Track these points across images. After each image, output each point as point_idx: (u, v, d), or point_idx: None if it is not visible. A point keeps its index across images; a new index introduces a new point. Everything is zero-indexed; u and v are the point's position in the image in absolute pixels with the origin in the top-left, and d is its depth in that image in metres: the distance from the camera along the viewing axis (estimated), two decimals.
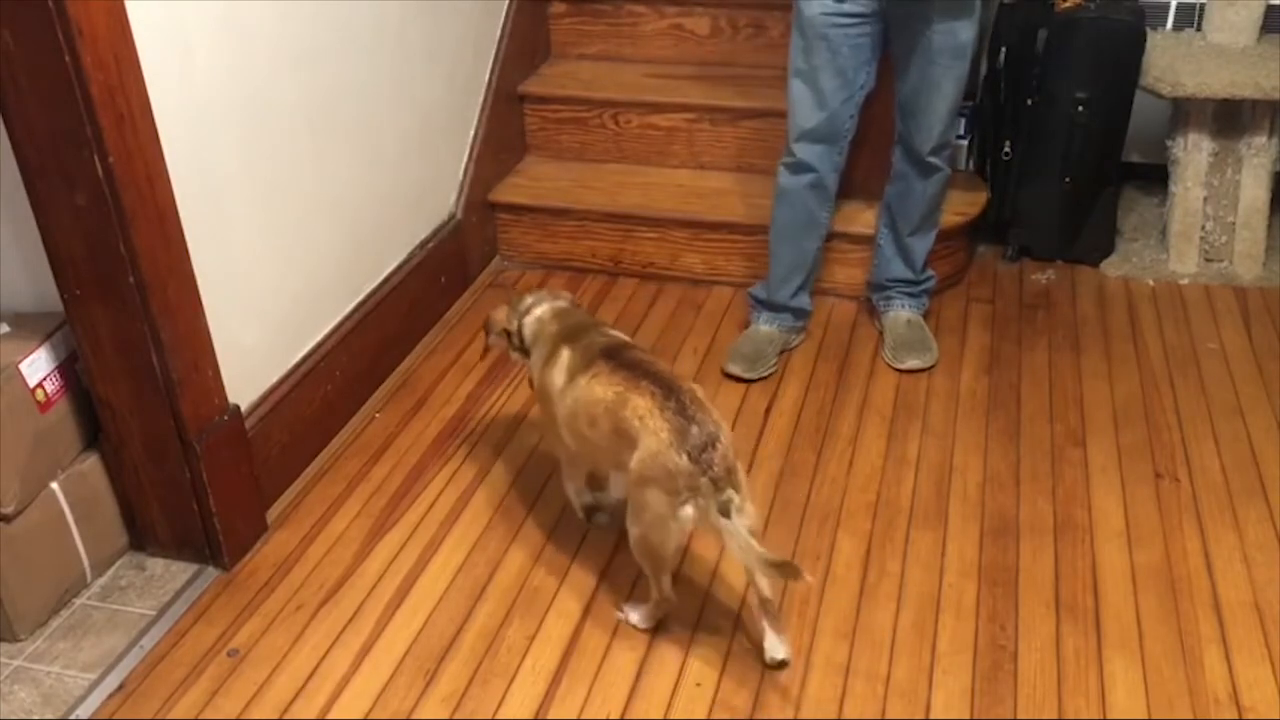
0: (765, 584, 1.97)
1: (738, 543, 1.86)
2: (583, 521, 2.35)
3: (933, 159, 2.73)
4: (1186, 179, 3.20)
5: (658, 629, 2.10)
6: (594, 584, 2.22)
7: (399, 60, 2.83)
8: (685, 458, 1.85)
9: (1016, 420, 2.65)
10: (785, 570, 1.89)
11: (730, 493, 1.85)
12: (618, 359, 2.04)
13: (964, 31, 2.54)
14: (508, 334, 2.28)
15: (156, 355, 2.08)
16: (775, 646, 2.00)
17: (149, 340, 2.06)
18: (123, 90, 1.90)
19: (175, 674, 2.05)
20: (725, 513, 1.85)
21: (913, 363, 2.84)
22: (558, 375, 2.12)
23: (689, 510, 1.88)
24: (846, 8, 2.50)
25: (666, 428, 1.88)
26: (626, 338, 2.16)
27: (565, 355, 2.12)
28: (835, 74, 2.57)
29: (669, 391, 1.92)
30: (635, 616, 2.10)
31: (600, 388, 2.01)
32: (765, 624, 2.00)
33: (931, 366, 2.84)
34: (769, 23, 3.41)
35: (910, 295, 2.95)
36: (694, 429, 1.87)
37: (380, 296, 2.81)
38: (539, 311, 2.23)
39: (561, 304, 2.25)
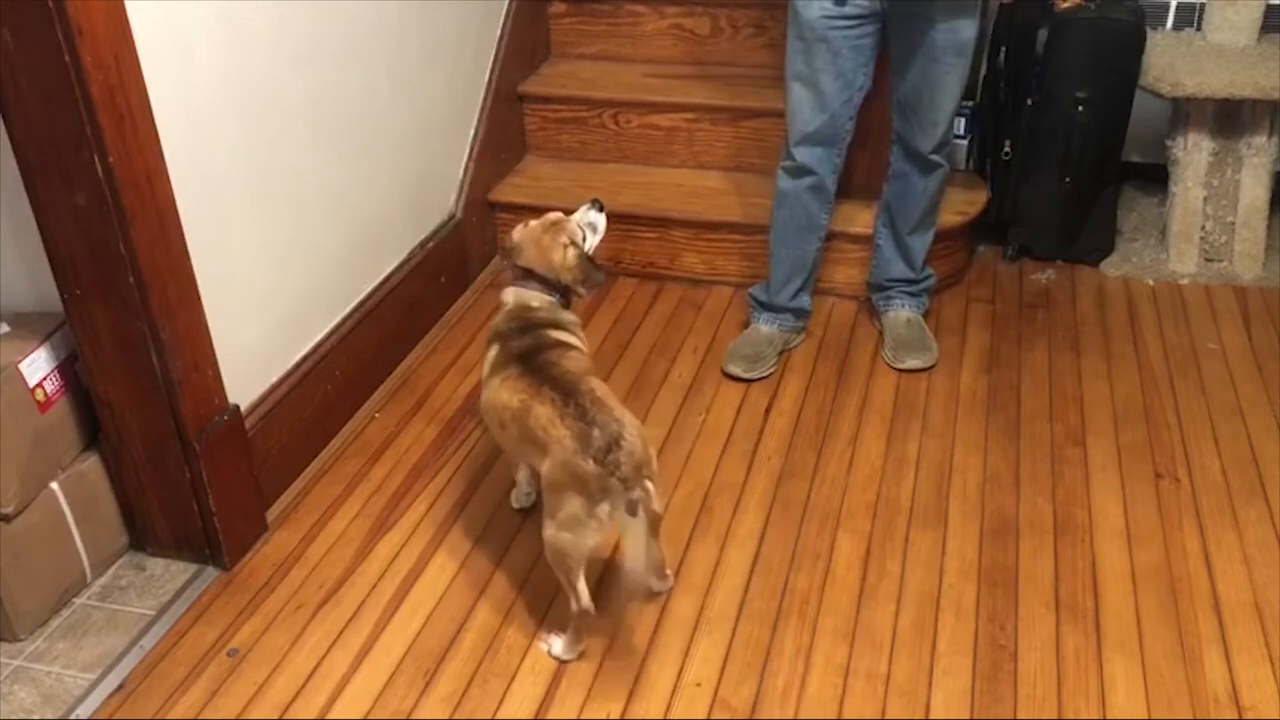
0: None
1: (635, 543, 1.92)
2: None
3: (934, 156, 2.73)
4: (1186, 179, 3.20)
5: (656, 629, 2.10)
6: (594, 584, 2.21)
7: (399, 60, 2.83)
8: (591, 462, 1.86)
9: (1016, 420, 2.65)
10: (659, 582, 2.16)
11: (639, 491, 1.87)
12: (527, 364, 2.05)
13: (966, 29, 2.54)
14: None
15: (156, 355, 2.08)
16: (655, 583, 2.16)
17: (149, 340, 2.06)
18: (123, 90, 1.90)
19: (175, 674, 2.05)
20: (632, 511, 1.88)
21: (912, 362, 2.84)
22: (485, 368, 2.17)
23: (605, 507, 1.90)
24: (847, 10, 2.49)
25: (568, 435, 1.89)
26: (561, 338, 2.12)
27: (493, 352, 2.15)
28: (836, 76, 2.57)
29: (568, 396, 1.94)
30: (558, 648, 2.07)
31: (507, 394, 2.04)
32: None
33: (931, 366, 2.84)
34: (769, 23, 3.41)
35: (910, 295, 2.95)
36: (595, 432, 1.88)
37: (380, 296, 2.81)
38: (508, 296, 2.21)
39: (527, 297, 2.18)
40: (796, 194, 2.76)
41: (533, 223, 2.24)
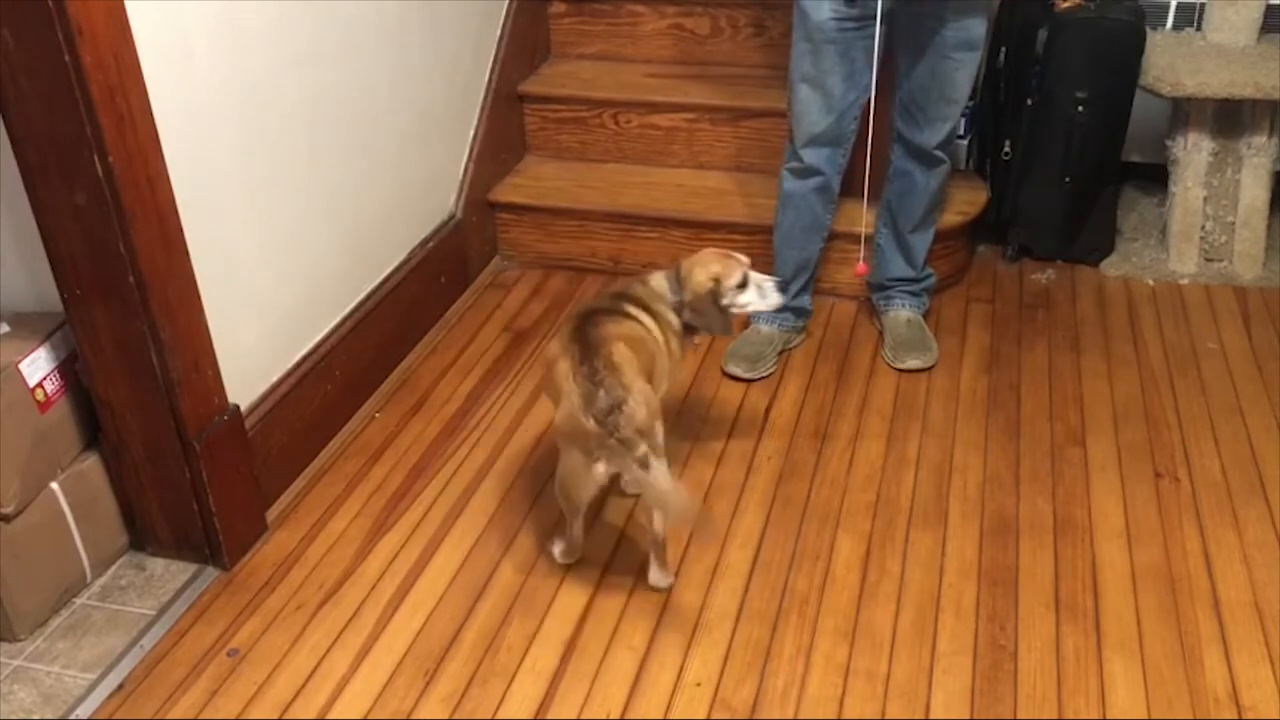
0: (659, 527, 2.13)
1: (656, 496, 2.02)
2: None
3: (938, 151, 2.73)
4: (1186, 179, 3.20)
5: (656, 629, 2.11)
6: (594, 584, 2.22)
7: (399, 60, 2.83)
8: (592, 421, 1.96)
9: (1016, 420, 2.65)
10: (699, 519, 2.25)
11: (644, 449, 1.95)
12: (580, 320, 2.12)
13: (977, 26, 2.54)
14: None
15: (156, 355, 2.08)
16: (657, 576, 2.19)
17: (149, 340, 2.06)
18: (123, 90, 1.90)
19: (175, 674, 2.05)
20: (644, 465, 1.96)
21: (912, 363, 2.84)
22: None
23: (601, 467, 2.01)
24: (856, 10, 2.48)
25: (577, 392, 1.99)
26: (632, 312, 2.19)
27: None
28: (844, 78, 2.56)
29: (585, 356, 2.02)
30: (557, 550, 2.26)
31: (554, 343, 2.17)
32: (652, 556, 2.18)
33: (931, 367, 2.84)
34: (769, 23, 3.41)
35: (911, 294, 2.95)
36: (600, 394, 1.96)
37: (380, 296, 2.81)
38: (650, 277, 2.30)
39: (654, 281, 2.26)
40: (803, 195, 2.76)
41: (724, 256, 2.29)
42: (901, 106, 2.70)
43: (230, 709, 1.98)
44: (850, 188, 2.97)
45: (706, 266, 2.24)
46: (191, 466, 2.19)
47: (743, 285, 2.25)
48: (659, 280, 2.27)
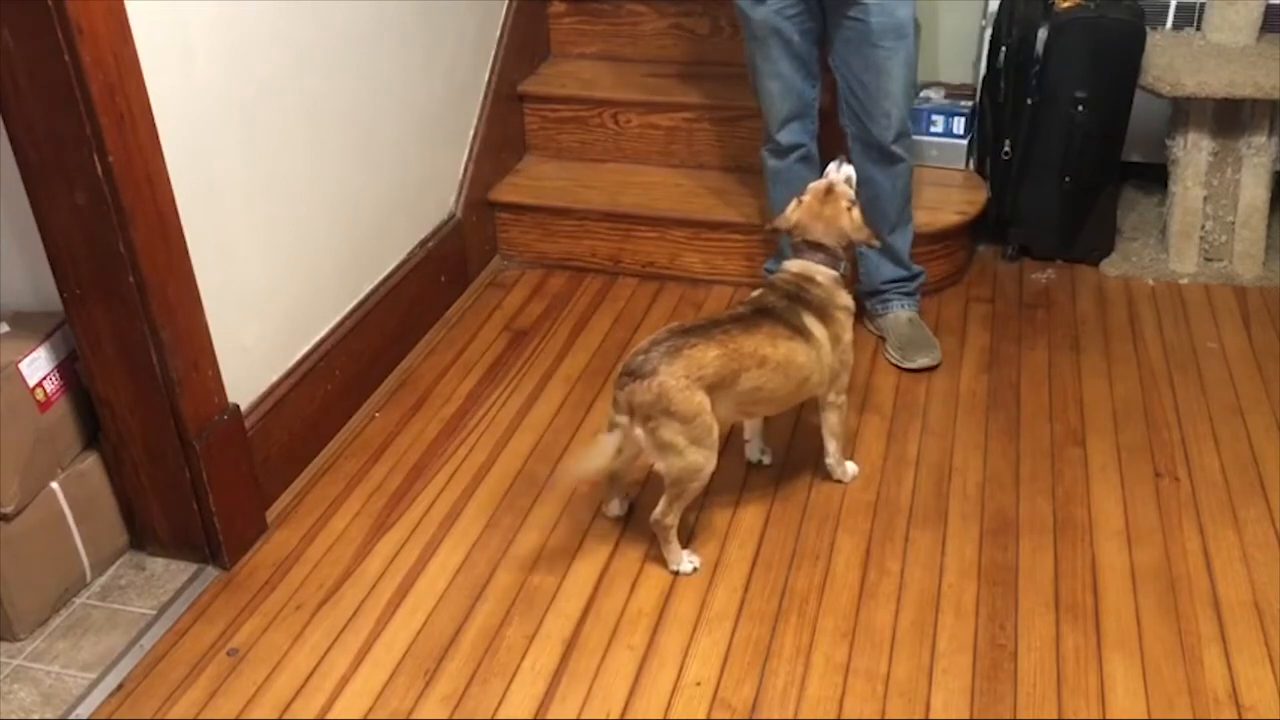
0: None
1: (595, 450, 2.16)
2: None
3: (895, 148, 2.73)
4: (1186, 178, 3.20)
5: (657, 628, 2.11)
6: (594, 583, 2.22)
7: (399, 60, 2.83)
8: (620, 373, 2.12)
9: (1016, 420, 2.65)
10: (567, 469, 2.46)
11: (622, 419, 2.09)
12: (755, 308, 2.25)
13: (901, 9, 2.56)
14: None
15: (156, 355, 2.08)
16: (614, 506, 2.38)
17: (149, 340, 2.06)
18: (123, 90, 1.90)
19: (175, 673, 2.05)
20: (610, 428, 2.12)
21: (923, 361, 2.83)
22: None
23: (624, 419, 2.10)
24: (779, 3, 2.61)
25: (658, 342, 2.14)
26: (807, 324, 2.23)
27: (753, 294, 2.38)
28: (793, 59, 2.68)
29: (677, 330, 2.15)
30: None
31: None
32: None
33: (939, 364, 2.84)
34: None
35: (906, 294, 2.94)
36: (639, 359, 2.10)
37: (380, 296, 2.81)
38: (793, 266, 2.33)
39: (813, 270, 2.29)
40: (789, 166, 2.84)
41: (802, 199, 2.32)
42: (844, 102, 2.72)
43: (230, 709, 1.98)
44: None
45: (839, 209, 2.29)
46: (191, 466, 2.19)
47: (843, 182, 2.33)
48: (816, 269, 2.28)
